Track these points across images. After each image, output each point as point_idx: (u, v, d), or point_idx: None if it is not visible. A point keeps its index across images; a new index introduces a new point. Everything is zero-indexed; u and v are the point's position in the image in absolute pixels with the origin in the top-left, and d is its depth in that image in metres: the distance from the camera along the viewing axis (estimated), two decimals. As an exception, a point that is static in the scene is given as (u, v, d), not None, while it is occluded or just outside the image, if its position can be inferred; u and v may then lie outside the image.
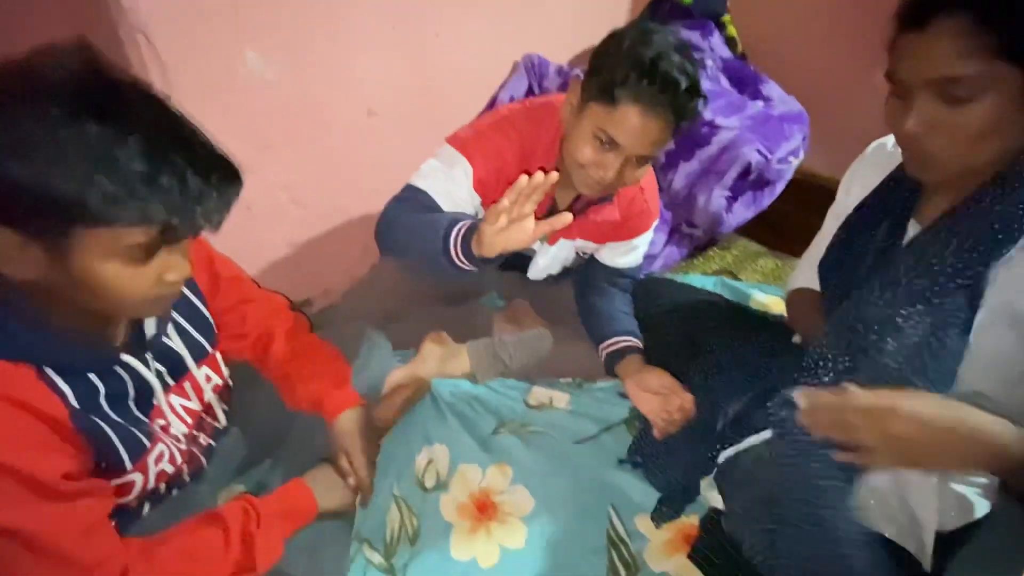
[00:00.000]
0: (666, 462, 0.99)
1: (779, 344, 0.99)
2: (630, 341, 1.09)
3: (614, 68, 0.81)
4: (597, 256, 1.13)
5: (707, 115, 1.47)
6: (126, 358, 0.64)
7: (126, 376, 0.64)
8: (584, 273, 1.17)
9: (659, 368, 1.04)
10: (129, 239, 0.51)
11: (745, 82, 1.60)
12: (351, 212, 1.43)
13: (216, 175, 0.53)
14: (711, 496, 0.91)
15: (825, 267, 0.85)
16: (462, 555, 0.91)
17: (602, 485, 1.00)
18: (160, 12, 0.97)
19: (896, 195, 0.75)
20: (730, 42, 1.70)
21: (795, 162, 1.51)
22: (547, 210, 1.01)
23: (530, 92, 1.54)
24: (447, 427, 1.07)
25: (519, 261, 1.12)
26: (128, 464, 0.65)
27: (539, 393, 1.15)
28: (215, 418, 0.83)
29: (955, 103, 0.57)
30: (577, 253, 1.12)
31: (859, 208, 0.81)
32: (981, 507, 0.65)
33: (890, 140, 0.83)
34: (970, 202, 0.64)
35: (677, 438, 0.99)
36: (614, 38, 0.85)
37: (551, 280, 1.20)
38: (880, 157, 0.82)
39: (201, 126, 0.55)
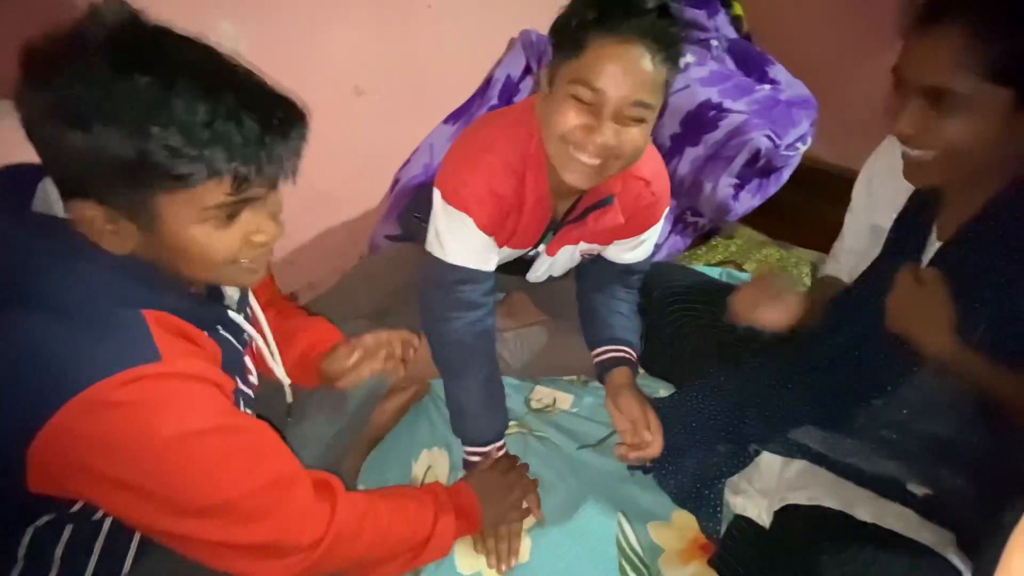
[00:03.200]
0: (676, 467, 0.94)
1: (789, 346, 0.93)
2: (622, 352, 1.02)
3: (572, 15, 0.74)
4: (604, 253, 1.05)
5: (715, 97, 1.41)
6: (233, 315, 0.66)
7: (228, 335, 0.65)
8: (589, 270, 1.09)
9: (639, 395, 0.97)
10: (207, 199, 0.51)
11: (751, 63, 1.54)
12: (337, 199, 1.34)
13: (276, 116, 0.51)
14: (734, 502, 0.88)
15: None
16: (467, 569, 0.86)
17: (610, 492, 0.96)
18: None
19: (914, 213, 0.76)
20: (736, 21, 1.63)
21: (802, 148, 1.46)
22: (548, 222, 0.93)
23: (527, 71, 1.46)
24: (447, 430, 1.00)
25: (519, 266, 1.05)
26: None
27: (541, 393, 1.10)
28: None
29: (943, 113, 0.59)
30: (582, 255, 1.05)
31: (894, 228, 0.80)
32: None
33: None
34: (986, 217, 0.65)
35: (687, 443, 0.94)
36: None
37: (551, 276, 1.13)
38: (897, 151, 0.78)
39: (257, 70, 0.53)
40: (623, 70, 0.71)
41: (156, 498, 0.52)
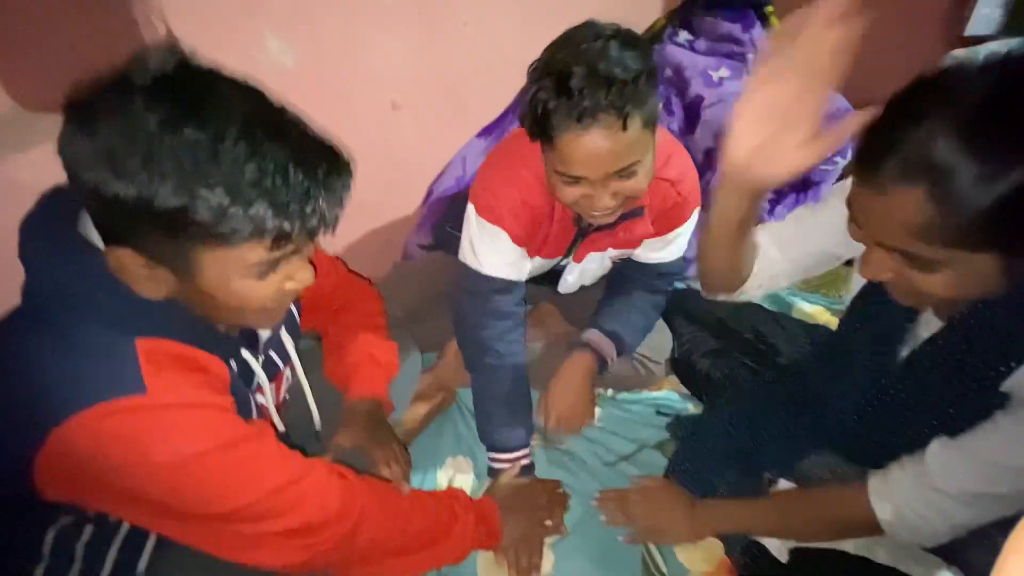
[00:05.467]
0: (701, 489, 0.92)
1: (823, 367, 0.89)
2: (596, 338, 1.02)
3: (534, 104, 0.71)
4: (633, 255, 1.05)
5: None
6: (245, 354, 0.65)
7: (236, 369, 0.65)
8: (617, 273, 1.09)
9: (584, 387, 1.01)
10: (249, 256, 0.50)
11: (788, 77, 1.51)
12: (373, 208, 1.38)
13: (322, 168, 0.50)
14: None
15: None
16: (488, 580, 0.86)
17: None
18: (179, -4, 0.92)
19: (883, 308, 0.68)
20: (772, 35, 1.61)
21: (841, 163, 1.42)
22: (575, 229, 0.94)
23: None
24: (472, 439, 1.01)
25: (549, 276, 1.06)
26: None
27: None
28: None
29: (917, 266, 0.50)
30: (612, 261, 1.05)
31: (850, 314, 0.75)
32: None
33: None
34: (968, 320, 0.58)
35: (709, 465, 0.92)
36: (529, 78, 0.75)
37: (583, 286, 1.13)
38: None
39: (304, 116, 0.52)
40: (594, 154, 0.71)
41: (173, 511, 0.53)
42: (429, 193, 1.42)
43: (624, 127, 0.70)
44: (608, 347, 1.02)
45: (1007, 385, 0.56)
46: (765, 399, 0.92)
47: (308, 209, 0.49)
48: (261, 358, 0.69)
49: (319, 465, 0.63)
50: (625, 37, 0.72)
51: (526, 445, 0.96)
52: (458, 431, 1.04)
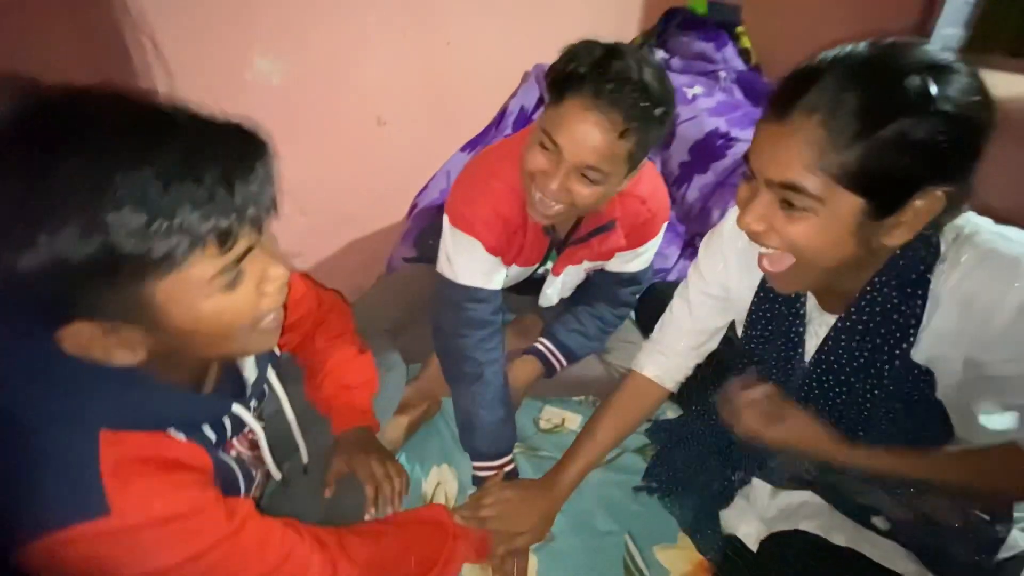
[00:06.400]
0: (683, 488, 0.95)
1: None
2: (544, 347, 1.07)
3: (566, 63, 0.74)
4: (606, 266, 1.09)
5: (722, 127, 1.45)
6: (237, 408, 0.62)
7: (227, 423, 0.62)
8: (586, 285, 1.12)
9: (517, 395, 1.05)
10: (206, 271, 0.45)
11: (759, 94, 1.57)
12: (358, 221, 1.40)
13: (234, 152, 0.45)
14: (731, 524, 0.86)
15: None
16: (474, 586, 0.87)
17: (617, 513, 0.97)
18: (167, 16, 0.94)
19: (781, 308, 0.75)
20: (744, 54, 1.67)
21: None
22: (548, 239, 0.97)
23: (540, 102, 1.52)
24: (457, 448, 1.03)
25: (530, 287, 1.09)
26: (243, 495, 0.66)
27: (550, 413, 1.11)
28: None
29: (792, 211, 0.56)
30: (587, 272, 1.08)
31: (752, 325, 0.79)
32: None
33: None
34: (862, 305, 0.64)
35: (687, 467, 0.95)
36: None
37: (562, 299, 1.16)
38: (740, 241, 0.75)
39: (202, 105, 0.46)
40: (582, 134, 0.73)
41: None
42: (414, 206, 1.46)
43: (620, 136, 0.73)
44: (554, 356, 1.06)
45: (919, 355, 0.62)
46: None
47: (236, 198, 0.44)
48: (253, 404, 0.66)
49: (298, 545, 0.61)
50: (669, 83, 0.76)
51: (508, 452, 0.97)
52: (443, 440, 1.05)
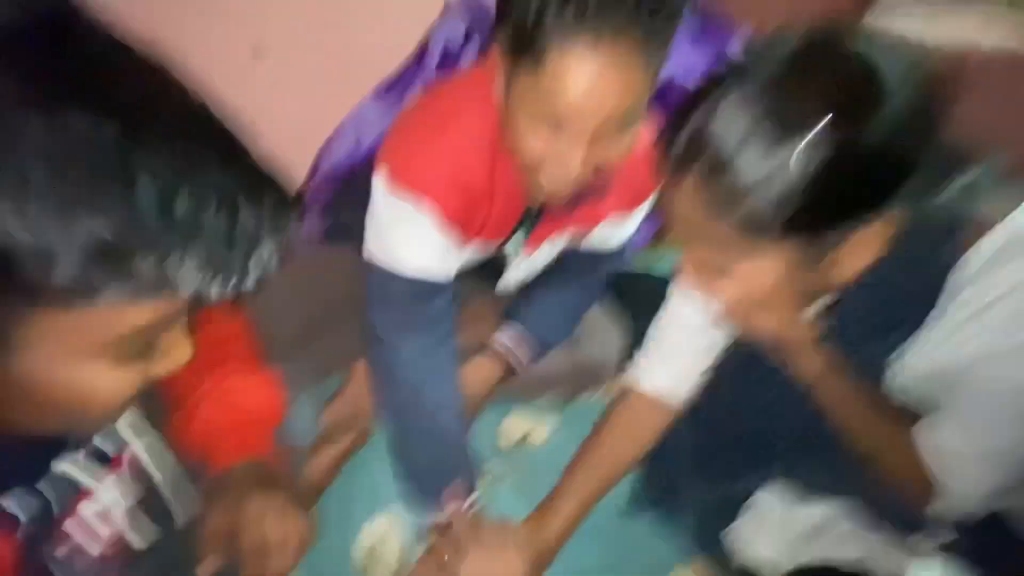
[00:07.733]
0: (676, 505, 0.87)
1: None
2: (502, 346, 0.90)
3: (517, 3, 0.56)
4: (584, 239, 0.93)
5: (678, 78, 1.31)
6: (60, 466, 0.49)
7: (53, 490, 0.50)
8: (555, 262, 0.96)
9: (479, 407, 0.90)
10: (128, 321, 0.35)
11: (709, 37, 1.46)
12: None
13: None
14: (738, 550, 0.78)
15: None
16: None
17: (605, 540, 0.85)
18: None
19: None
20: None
21: None
22: (522, 208, 0.79)
23: (468, 39, 1.26)
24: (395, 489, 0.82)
25: (491, 270, 0.90)
26: None
27: (512, 425, 0.97)
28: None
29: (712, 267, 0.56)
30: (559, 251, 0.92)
31: None
32: None
33: None
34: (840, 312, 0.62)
35: (685, 480, 0.85)
36: None
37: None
38: None
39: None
40: (595, 86, 0.55)
41: None
42: (314, 170, 1.19)
43: (643, 60, 0.55)
44: (516, 354, 0.89)
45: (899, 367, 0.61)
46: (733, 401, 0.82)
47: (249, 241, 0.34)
48: (82, 453, 0.51)
49: None
50: None
51: (473, 487, 0.78)
52: (375, 482, 0.85)
